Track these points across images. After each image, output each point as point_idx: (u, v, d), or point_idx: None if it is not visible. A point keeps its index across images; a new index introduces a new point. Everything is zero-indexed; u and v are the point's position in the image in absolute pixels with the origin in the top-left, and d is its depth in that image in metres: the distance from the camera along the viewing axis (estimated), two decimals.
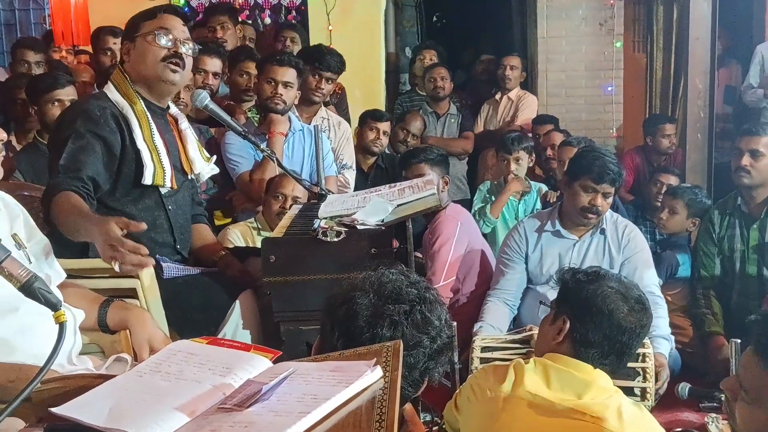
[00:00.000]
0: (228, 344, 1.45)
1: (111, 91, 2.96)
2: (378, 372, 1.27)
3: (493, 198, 4.98)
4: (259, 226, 4.04)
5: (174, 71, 2.93)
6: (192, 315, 2.89)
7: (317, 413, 1.16)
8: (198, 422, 1.21)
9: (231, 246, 3.73)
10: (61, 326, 1.10)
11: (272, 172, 4.06)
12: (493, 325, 3.71)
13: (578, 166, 3.76)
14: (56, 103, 4.16)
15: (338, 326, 1.77)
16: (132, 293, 2.79)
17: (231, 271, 3.10)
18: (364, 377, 1.24)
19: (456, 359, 3.40)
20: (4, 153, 2.28)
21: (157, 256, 2.96)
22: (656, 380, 3.13)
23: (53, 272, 2.35)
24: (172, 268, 2.97)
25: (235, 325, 2.89)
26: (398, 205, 2.80)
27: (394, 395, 1.20)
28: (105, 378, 1.41)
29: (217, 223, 4.36)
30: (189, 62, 2.99)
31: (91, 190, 2.75)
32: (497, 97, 6.67)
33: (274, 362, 1.40)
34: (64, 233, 2.62)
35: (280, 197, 3.92)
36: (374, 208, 2.75)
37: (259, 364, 1.36)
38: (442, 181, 4.23)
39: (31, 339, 2.16)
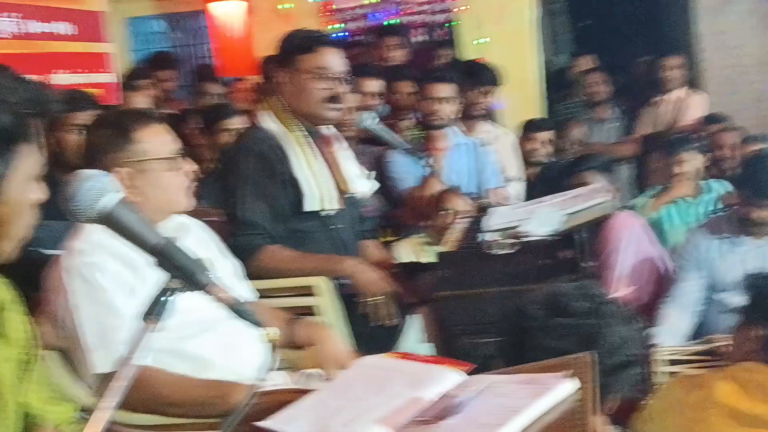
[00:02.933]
0: (420, 359, 1.49)
1: (266, 120, 3.03)
2: (573, 384, 1.27)
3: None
4: (428, 241, 4.08)
5: (333, 110, 3.01)
6: (370, 330, 2.95)
7: (514, 425, 1.17)
8: None
9: (400, 262, 3.80)
10: (273, 346, 1.17)
11: (437, 188, 4.10)
12: (670, 332, 3.58)
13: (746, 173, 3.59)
14: (226, 133, 4.37)
15: (510, 338, 1.78)
16: (314, 311, 2.90)
17: (402, 286, 3.16)
18: (559, 389, 1.24)
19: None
20: (196, 183, 2.42)
21: None
22: None
23: (246, 292, 2.47)
24: (350, 285, 3.05)
25: (414, 339, 2.94)
26: (569, 215, 2.77)
27: (592, 407, 1.19)
28: (304, 392, 1.48)
29: (386, 240, 4.44)
30: (346, 96, 3.05)
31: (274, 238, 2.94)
32: (660, 98, 6.44)
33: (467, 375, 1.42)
34: (279, 277, 2.90)
35: (446, 212, 3.95)
36: (544, 219, 2.74)
37: (453, 377, 1.39)
38: (610, 188, 4.12)
39: (229, 357, 2.28)
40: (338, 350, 2.44)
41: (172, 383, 2.09)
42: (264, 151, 2.94)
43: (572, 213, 2.79)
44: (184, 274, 1.11)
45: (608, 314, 1.77)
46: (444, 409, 1.26)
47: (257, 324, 1.18)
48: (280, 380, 2.34)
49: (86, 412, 2.54)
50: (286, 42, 3.06)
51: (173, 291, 1.09)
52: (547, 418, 1.20)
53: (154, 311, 1.08)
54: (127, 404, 2.10)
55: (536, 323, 1.75)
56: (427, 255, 3.98)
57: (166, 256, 1.11)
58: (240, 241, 2.85)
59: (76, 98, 3.62)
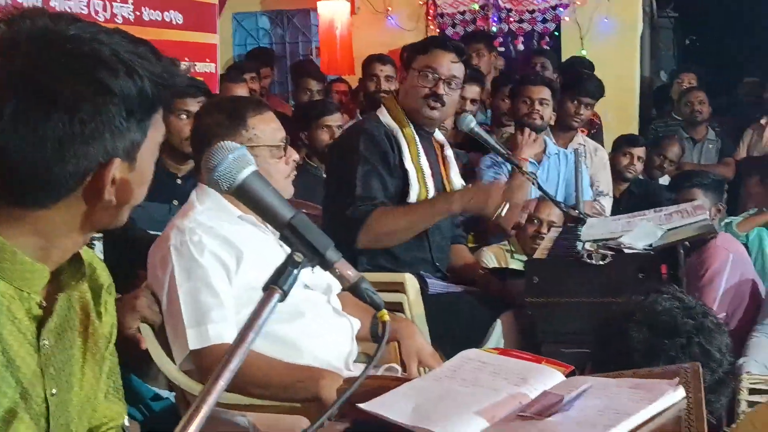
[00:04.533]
0: (518, 356, 1.49)
1: (383, 114, 3.17)
2: (681, 392, 1.25)
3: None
4: (513, 249, 4.06)
5: (432, 108, 3.09)
6: (454, 331, 2.95)
7: (622, 427, 1.16)
8: (498, 428, 1.25)
9: (487, 267, 3.79)
10: (384, 325, 1.18)
11: (525, 197, 4.07)
12: (759, 361, 3.47)
13: None
14: (325, 129, 4.44)
15: (612, 359, 1.74)
16: (398, 307, 2.92)
17: (491, 290, 3.17)
18: (667, 395, 1.23)
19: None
20: (295, 173, 2.47)
21: (421, 272, 3.09)
22: None
23: (333, 282, 2.51)
24: (436, 285, 3.07)
25: (495, 343, 2.93)
26: (668, 230, 2.72)
27: (701, 416, 1.18)
28: (401, 380, 1.50)
29: (469, 245, 4.44)
30: (450, 99, 3.11)
31: None
32: (763, 121, 6.27)
33: (567, 377, 1.41)
34: (395, 238, 2.99)
35: (536, 221, 3.92)
36: (642, 232, 2.70)
37: (553, 376, 1.39)
38: (714, 208, 4.02)
39: (314, 343, 2.33)
40: (421, 347, 2.46)
41: (263, 364, 2.14)
42: (381, 138, 3.06)
43: (672, 228, 2.73)
44: (314, 249, 1.13)
45: (710, 328, 1.74)
46: (546, 406, 1.26)
47: (377, 305, 1.19)
48: (357, 371, 2.38)
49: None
50: (412, 45, 3.26)
51: (297, 264, 1.12)
52: (654, 425, 1.19)
53: (278, 282, 1.10)
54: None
55: (641, 346, 1.70)
56: (513, 262, 3.97)
57: (297, 231, 1.13)
58: (356, 214, 2.93)
59: (189, 84, 3.74)
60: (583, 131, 5.01)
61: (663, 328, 1.72)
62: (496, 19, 6.71)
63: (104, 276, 1.43)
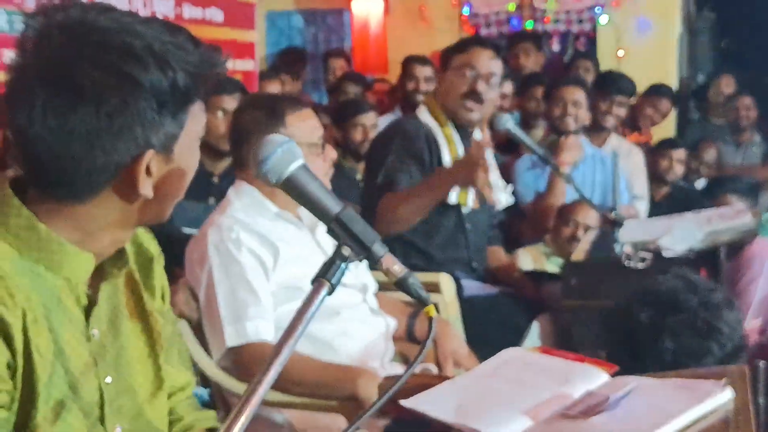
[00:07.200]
0: (561, 355, 1.47)
1: (422, 113, 3.18)
2: (728, 393, 1.23)
3: None
4: (548, 251, 4.03)
5: (470, 109, 3.08)
6: (489, 333, 2.94)
7: (668, 428, 1.14)
8: (542, 427, 1.24)
9: (523, 269, 3.77)
10: (431, 321, 1.17)
11: (562, 198, 4.04)
12: None
13: None
14: (359, 128, 4.44)
15: (621, 344, 1.74)
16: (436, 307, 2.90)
17: (526, 292, 3.15)
18: (714, 397, 1.21)
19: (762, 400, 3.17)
20: (332, 171, 2.47)
21: (456, 273, 3.07)
22: None
23: (369, 282, 2.51)
24: (472, 286, 3.06)
25: (532, 345, 2.92)
26: (709, 233, 2.69)
27: (749, 418, 1.16)
28: (442, 378, 1.49)
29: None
30: (489, 96, 3.10)
31: None
32: None
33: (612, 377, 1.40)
34: (410, 218, 2.92)
35: (571, 224, 3.88)
36: (682, 234, 2.68)
37: (597, 376, 1.37)
38: (751, 212, 3.97)
39: (350, 342, 2.33)
40: (457, 348, 2.45)
41: (300, 362, 2.14)
42: (418, 135, 3.06)
43: (713, 231, 2.70)
44: (361, 243, 1.13)
45: (717, 304, 1.73)
46: (591, 406, 1.24)
47: (423, 299, 1.18)
48: (393, 371, 2.37)
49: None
50: (450, 45, 3.23)
51: (345, 258, 1.11)
52: (702, 425, 1.17)
53: (326, 274, 1.10)
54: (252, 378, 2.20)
55: (645, 325, 1.71)
56: (549, 264, 3.94)
57: (345, 224, 1.13)
58: (373, 202, 2.93)
59: (225, 81, 3.63)
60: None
61: (665, 305, 1.72)
62: (531, 19, 6.66)
63: (152, 247, 1.41)
